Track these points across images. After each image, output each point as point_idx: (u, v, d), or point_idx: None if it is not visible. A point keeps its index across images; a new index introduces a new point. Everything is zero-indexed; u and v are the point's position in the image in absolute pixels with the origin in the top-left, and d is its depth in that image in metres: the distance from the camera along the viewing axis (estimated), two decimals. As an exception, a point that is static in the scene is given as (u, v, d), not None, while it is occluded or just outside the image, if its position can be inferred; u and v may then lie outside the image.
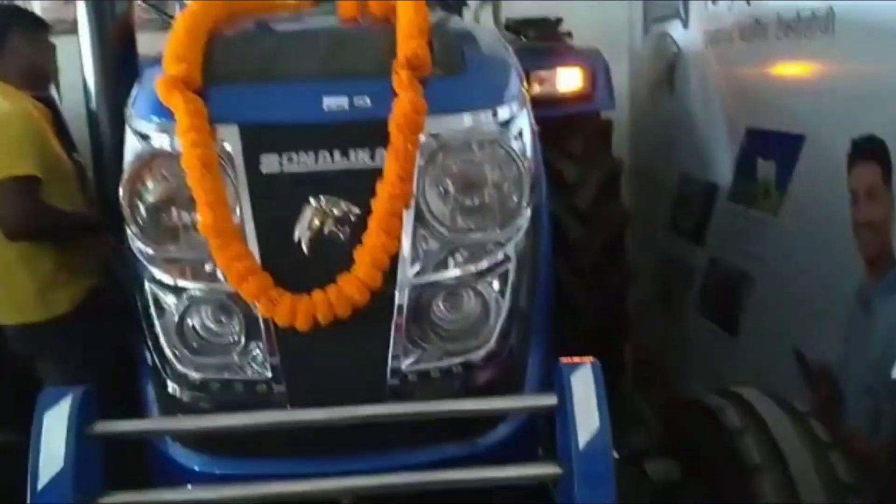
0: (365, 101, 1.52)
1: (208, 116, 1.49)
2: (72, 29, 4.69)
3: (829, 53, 2.47)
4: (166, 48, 1.58)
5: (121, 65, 2.26)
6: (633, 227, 3.57)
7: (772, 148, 2.83)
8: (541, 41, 3.42)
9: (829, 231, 2.48)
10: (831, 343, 2.50)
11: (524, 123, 1.67)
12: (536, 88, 3.27)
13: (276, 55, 1.63)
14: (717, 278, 3.31)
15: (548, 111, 3.17)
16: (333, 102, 1.51)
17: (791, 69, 2.71)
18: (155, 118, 1.55)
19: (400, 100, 1.48)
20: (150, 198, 1.50)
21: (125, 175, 1.51)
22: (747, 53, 2.95)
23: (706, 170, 3.37)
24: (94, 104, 2.23)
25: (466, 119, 1.56)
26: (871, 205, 2.31)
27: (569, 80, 3.33)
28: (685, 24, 3.46)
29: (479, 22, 3.72)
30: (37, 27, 2.69)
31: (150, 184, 1.50)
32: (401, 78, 1.50)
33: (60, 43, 4.97)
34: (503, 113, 1.60)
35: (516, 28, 3.41)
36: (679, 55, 3.56)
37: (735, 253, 3.16)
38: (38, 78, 2.70)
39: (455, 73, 1.60)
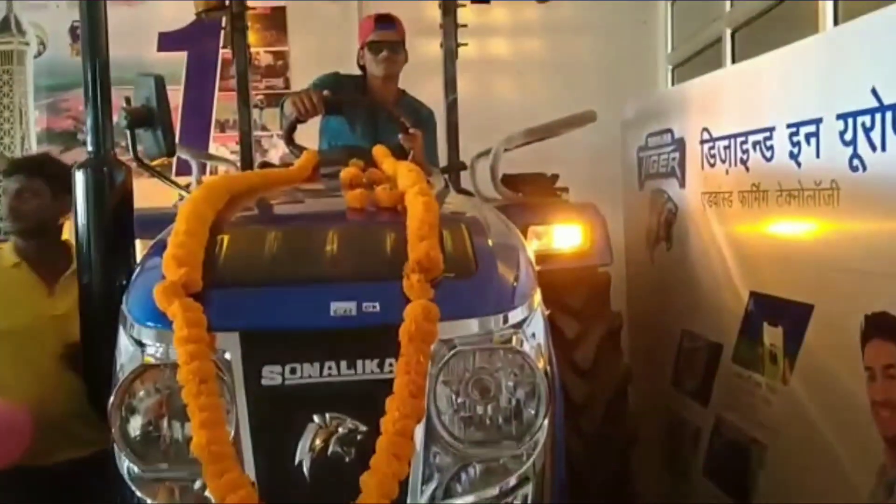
0: (374, 307, 1.44)
1: (208, 324, 1.41)
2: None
3: (835, 226, 2.45)
4: (168, 248, 1.52)
5: (116, 235, 2.20)
6: (634, 383, 3.48)
7: (778, 315, 2.78)
8: (538, 197, 3.43)
9: (845, 407, 2.39)
10: (853, 525, 2.37)
11: (538, 324, 1.60)
12: (534, 244, 3.25)
13: (280, 256, 1.57)
14: (725, 442, 3.19)
15: (546, 266, 3.15)
16: (341, 308, 1.44)
17: (795, 238, 2.69)
18: (151, 324, 1.47)
19: (412, 307, 1.41)
20: (142, 413, 1.40)
21: (116, 387, 1.41)
22: (748, 217, 2.95)
23: (708, 328, 3.31)
24: (86, 278, 2.15)
25: (479, 324, 1.48)
26: (889, 384, 2.24)
27: (566, 236, 3.33)
28: (682, 184, 3.49)
29: (476, 177, 3.75)
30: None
31: (142, 395, 1.41)
32: (412, 283, 1.43)
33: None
34: (516, 315, 1.54)
35: (513, 184, 3.43)
36: (676, 213, 3.56)
37: (743, 417, 3.05)
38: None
39: (467, 274, 1.54)
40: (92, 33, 2.09)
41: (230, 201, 1.83)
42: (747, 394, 2.99)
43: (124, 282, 2.02)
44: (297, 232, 1.72)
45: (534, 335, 1.57)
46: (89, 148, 2.16)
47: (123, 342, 1.52)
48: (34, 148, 4.88)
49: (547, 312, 1.81)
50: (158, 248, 1.63)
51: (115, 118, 2.19)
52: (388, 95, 3.36)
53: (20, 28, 4.94)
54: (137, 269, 1.70)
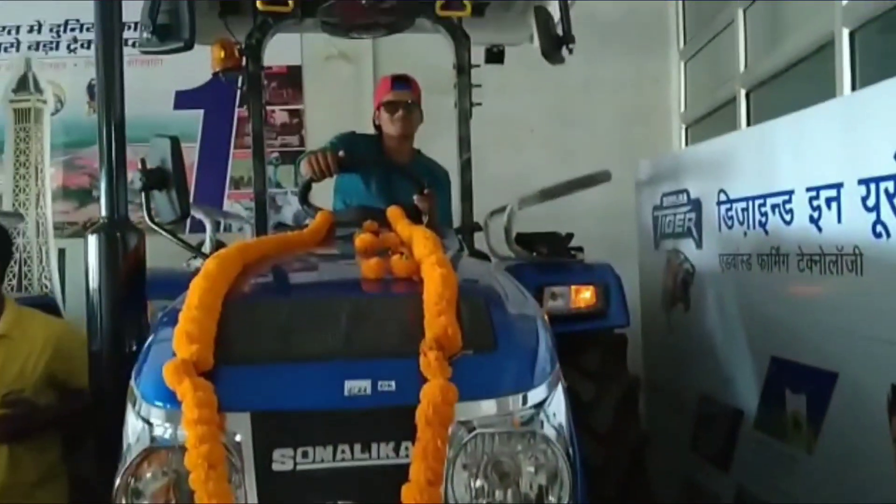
0: (390, 386, 1.39)
1: (218, 404, 1.37)
2: (81, 231, 4.72)
3: (859, 293, 2.40)
4: (180, 323, 1.48)
5: (128, 301, 2.17)
6: (652, 448, 3.40)
7: (801, 381, 2.71)
8: (553, 256, 3.39)
9: (873, 480, 2.31)
10: None
11: (559, 402, 1.55)
12: (549, 304, 3.21)
13: (293, 330, 1.53)
14: (748, 512, 3.09)
15: (561, 327, 3.10)
16: (355, 387, 1.39)
17: (817, 303, 2.63)
18: (160, 404, 1.42)
19: (429, 387, 1.36)
20: (148, 496, 1.35)
21: (121, 469, 1.36)
22: (768, 281, 2.90)
23: (728, 393, 3.24)
24: (96, 345, 2.11)
25: (498, 405, 1.43)
26: (918, 458, 2.17)
27: (582, 296, 3.27)
28: (698, 245, 3.44)
29: (490, 235, 3.71)
30: None
31: (148, 478, 1.36)
32: (429, 361, 1.39)
33: (69, 245, 5.04)
34: (536, 395, 1.48)
35: (528, 243, 3.39)
36: (693, 274, 3.51)
37: (766, 486, 2.96)
38: None
39: (486, 350, 1.49)
40: (108, 98, 2.09)
41: (243, 271, 1.80)
42: (770, 462, 2.91)
43: (135, 347, 1.99)
44: (311, 304, 1.68)
45: (555, 415, 1.51)
46: (103, 212, 2.14)
47: (131, 421, 1.48)
48: (49, 205, 4.92)
49: (566, 385, 1.76)
50: (170, 319, 1.59)
51: (130, 176, 2.18)
52: (403, 155, 3.37)
53: (38, 86, 5.02)
54: (147, 342, 1.66)
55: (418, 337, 1.46)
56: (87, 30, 5.00)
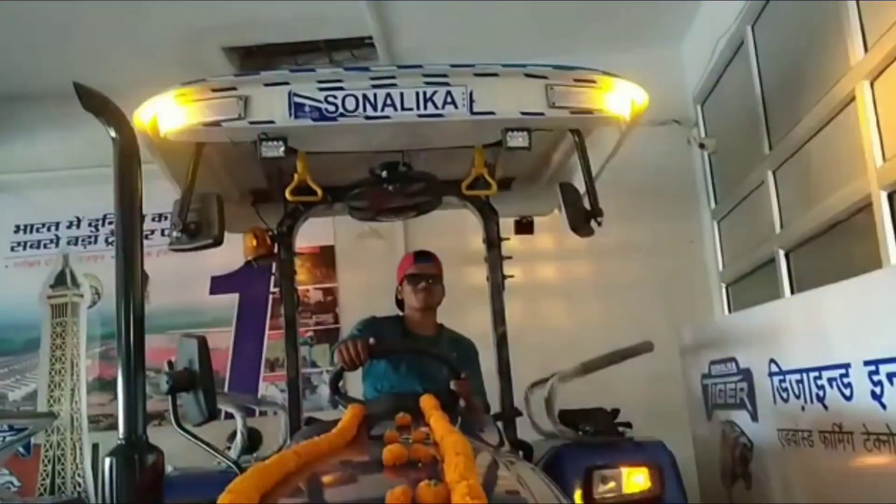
0: None
1: None
2: (113, 425, 4.63)
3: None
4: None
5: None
6: None
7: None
8: (599, 434, 3.21)
9: None
10: None
11: None
12: (601, 489, 3.01)
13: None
14: None
15: (616, 516, 2.88)
16: None
17: (892, 488, 2.40)
18: None
19: None
20: None
21: None
22: (834, 461, 2.67)
23: (804, 584, 2.93)
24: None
25: None
26: None
27: (635, 479, 3.06)
28: (754, 417, 3.24)
29: (531, 409, 3.55)
30: None
31: None
32: None
33: (103, 439, 4.95)
34: None
35: (572, 421, 3.23)
36: (751, 449, 3.28)
37: None
38: None
39: None
40: (127, 325, 2.03)
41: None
42: None
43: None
44: None
45: None
46: (121, 434, 2.05)
47: None
48: (84, 400, 4.88)
49: None
50: None
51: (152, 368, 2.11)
52: (426, 328, 3.35)
53: (75, 281, 5.13)
54: None
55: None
56: (126, 223, 5.17)
